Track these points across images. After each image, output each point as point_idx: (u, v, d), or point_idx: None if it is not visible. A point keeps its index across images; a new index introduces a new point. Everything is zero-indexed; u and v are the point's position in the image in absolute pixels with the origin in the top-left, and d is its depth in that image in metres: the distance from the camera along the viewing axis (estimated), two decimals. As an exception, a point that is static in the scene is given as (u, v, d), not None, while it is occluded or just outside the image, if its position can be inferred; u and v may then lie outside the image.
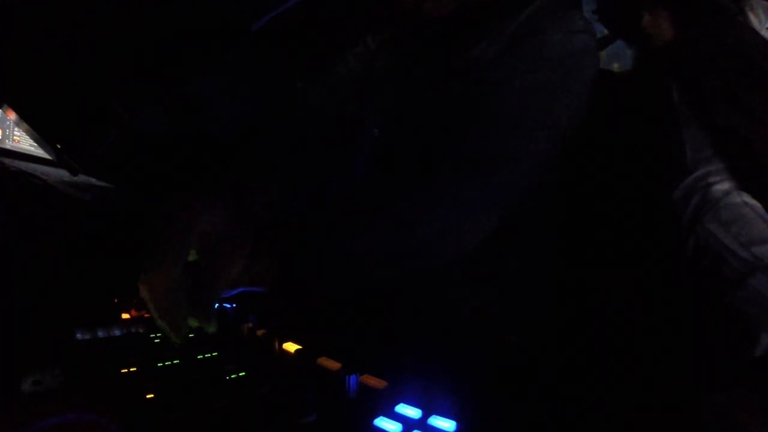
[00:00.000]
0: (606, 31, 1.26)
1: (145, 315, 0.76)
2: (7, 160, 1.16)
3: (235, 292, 0.72)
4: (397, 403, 0.51)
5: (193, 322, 0.54)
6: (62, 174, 1.08)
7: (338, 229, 0.63)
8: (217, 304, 0.80)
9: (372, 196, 0.66)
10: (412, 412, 0.50)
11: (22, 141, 1.32)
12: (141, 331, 0.68)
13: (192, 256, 0.57)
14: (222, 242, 0.57)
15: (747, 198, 0.75)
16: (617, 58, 1.74)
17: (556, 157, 0.70)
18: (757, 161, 0.75)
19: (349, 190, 0.81)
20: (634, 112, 0.99)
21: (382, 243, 0.63)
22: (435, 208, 0.63)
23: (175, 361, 0.60)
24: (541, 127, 0.66)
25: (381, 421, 0.48)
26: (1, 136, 1.28)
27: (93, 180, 1.18)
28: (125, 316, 0.74)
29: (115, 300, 0.79)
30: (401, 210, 0.63)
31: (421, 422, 0.49)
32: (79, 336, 0.62)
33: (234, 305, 0.81)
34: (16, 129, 1.30)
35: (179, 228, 0.55)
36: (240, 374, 0.57)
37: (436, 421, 0.49)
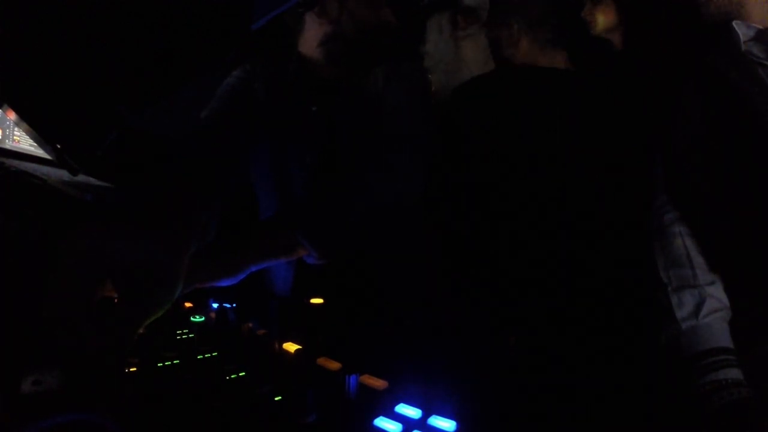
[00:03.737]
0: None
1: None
2: (7, 160, 1.16)
3: (244, 275, 0.77)
4: (397, 403, 0.51)
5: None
6: (62, 174, 1.08)
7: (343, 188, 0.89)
8: (216, 305, 0.80)
9: (355, 169, 0.97)
10: (412, 412, 0.50)
11: (22, 141, 1.32)
12: (141, 331, 0.68)
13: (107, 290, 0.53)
14: (146, 274, 0.54)
15: (684, 228, 0.91)
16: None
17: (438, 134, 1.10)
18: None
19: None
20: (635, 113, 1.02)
21: (372, 190, 0.90)
22: (390, 170, 0.94)
23: (175, 361, 0.59)
24: (418, 121, 1.05)
25: (381, 421, 0.48)
26: (1, 136, 1.28)
27: (93, 180, 1.18)
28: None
29: (116, 300, 0.79)
30: (376, 172, 0.93)
31: (421, 422, 0.49)
32: (79, 336, 0.62)
33: (234, 305, 0.81)
34: (16, 129, 1.30)
35: (86, 259, 0.52)
36: (240, 374, 0.57)
37: (436, 421, 0.49)
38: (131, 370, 0.56)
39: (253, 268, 0.78)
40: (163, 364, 0.58)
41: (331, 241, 0.82)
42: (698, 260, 0.88)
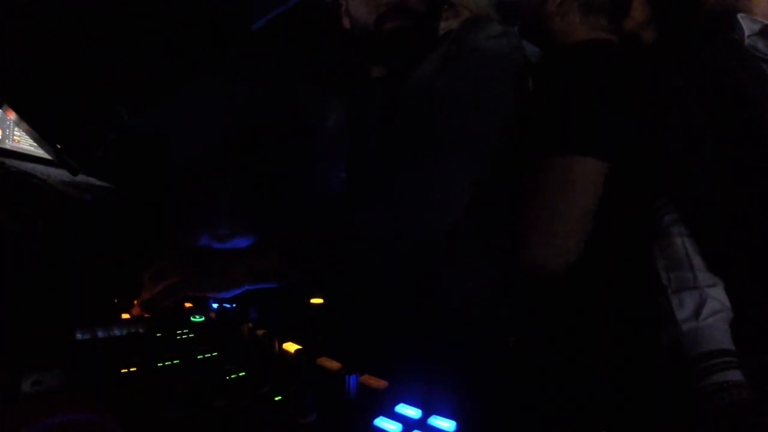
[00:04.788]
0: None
1: (145, 315, 0.76)
2: (7, 160, 1.16)
3: (239, 291, 0.77)
4: (397, 403, 0.51)
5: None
6: (62, 174, 1.08)
7: (347, 214, 0.77)
8: (216, 305, 0.80)
9: (371, 186, 0.82)
10: (412, 412, 0.50)
11: (22, 141, 1.32)
12: (141, 331, 0.68)
13: None
14: None
15: (684, 229, 0.89)
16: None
17: (505, 138, 0.85)
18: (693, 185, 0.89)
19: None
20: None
21: (384, 218, 0.76)
22: (418, 184, 0.78)
23: (175, 361, 0.59)
24: (485, 113, 0.82)
25: (381, 421, 0.48)
26: (1, 136, 1.28)
27: (93, 180, 1.18)
28: (125, 316, 0.74)
29: (115, 300, 0.79)
30: (394, 190, 0.78)
31: (421, 422, 0.49)
32: (79, 336, 0.62)
33: (234, 305, 0.81)
34: (16, 129, 1.30)
35: None
36: (240, 374, 0.57)
37: (436, 421, 0.49)
38: (131, 370, 0.56)
39: (245, 288, 0.78)
40: (163, 364, 0.58)
41: (320, 280, 0.81)
42: (698, 262, 0.87)
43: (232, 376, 0.57)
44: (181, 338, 0.69)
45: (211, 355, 0.63)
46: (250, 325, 0.72)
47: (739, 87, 0.85)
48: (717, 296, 0.85)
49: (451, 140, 0.80)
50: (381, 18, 0.92)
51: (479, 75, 0.84)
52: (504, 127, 0.84)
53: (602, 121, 0.88)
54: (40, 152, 1.26)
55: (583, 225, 0.85)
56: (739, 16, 0.88)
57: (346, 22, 1.02)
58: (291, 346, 0.65)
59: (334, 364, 0.59)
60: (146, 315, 0.75)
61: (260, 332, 0.70)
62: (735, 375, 0.78)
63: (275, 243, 0.81)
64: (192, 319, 0.75)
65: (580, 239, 0.85)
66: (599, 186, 0.87)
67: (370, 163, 0.94)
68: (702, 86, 0.88)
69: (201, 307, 0.80)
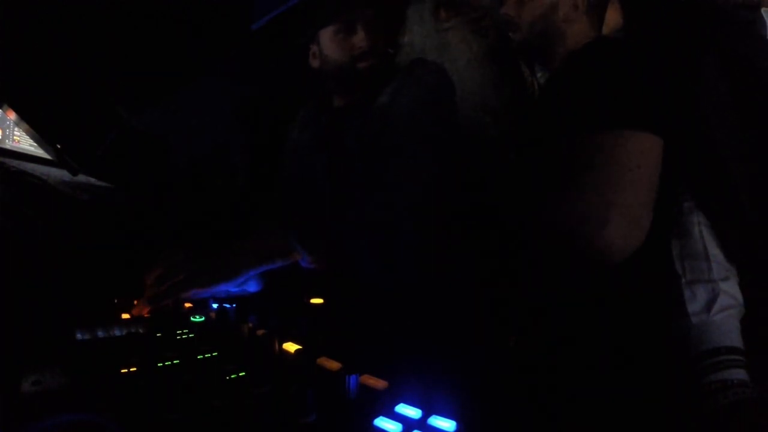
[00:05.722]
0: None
1: (145, 315, 0.76)
2: (7, 160, 1.16)
3: (248, 275, 0.81)
4: (397, 403, 0.51)
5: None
6: (62, 174, 1.08)
7: (339, 206, 0.92)
8: (216, 305, 0.80)
9: (354, 185, 1.00)
10: (412, 412, 0.50)
11: (22, 141, 1.32)
12: (141, 331, 0.68)
13: None
14: None
15: (702, 218, 0.87)
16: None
17: (456, 142, 1.08)
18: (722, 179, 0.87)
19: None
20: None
21: (367, 206, 0.92)
22: (389, 181, 0.96)
23: (175, 361, 0.59)
24: (432, 122, 1.05)
25: (381, 421, 0.48)
26: (1, 136, 1.28)
27: (93, 180, 1.19)
28: (125, 316, 0.74)
29: (115, 300, 0.79)
30: (367, 185, 0.96)
31: (421, 422, 0.49)
32: (79, 336, 0.62)
33: (234, 305, 0.81)
34: (16, 129, 1.30)
35: None
36: (240, 374, 0.57)
37: (436, 421, 0.49)
38: (131, 370, 0.56)
39: (252, 273, 0.79)
40: (163, 364, 0.58)
41: (324, 246, 0.83)
42: (714, 252, 0.85)
43: (232, 376, 0.57)
44: (181, 338, 0.69)
45: (211, 355, 0.63)
46: (250, 325, 0.72)
47: (766, 76, 0.84)
48: (730, 291, 0.83)
49: (404, 149, 1.01)
50: (355, 59, 1.11)
51: (420, 102, 1.07)
52: (447, 137, 1.06)
53: (656, 97, 0.87)
54: (40, 152, 1.26)
55: (651, 200, 0.83)
56: (763, 10, 0.89)
57: (314, 62, 1.18)
58: (291, 346, 0.65)
59: (334, 364, 0.59)
60: (146, 315, 0.75)
61: (260, 332, 0.70)
62: (740, 374, 0.77)
63: (277, 224, 0.85)
64: (192, 319, 0.75)
65: (649, 216, 0.82)
66: (660, 162, 0.85)
67: (351, 170, 1.10)
68: (730, 76, 0.87)
69: (201, 307, 0.80)
